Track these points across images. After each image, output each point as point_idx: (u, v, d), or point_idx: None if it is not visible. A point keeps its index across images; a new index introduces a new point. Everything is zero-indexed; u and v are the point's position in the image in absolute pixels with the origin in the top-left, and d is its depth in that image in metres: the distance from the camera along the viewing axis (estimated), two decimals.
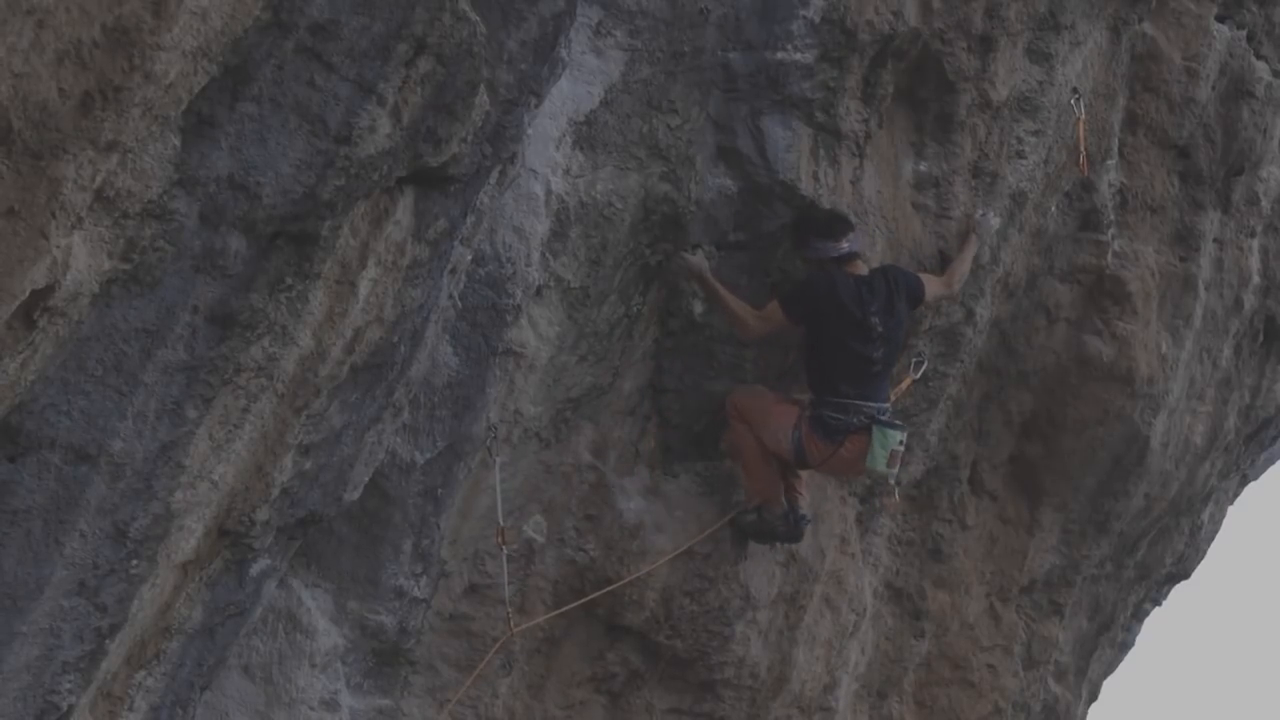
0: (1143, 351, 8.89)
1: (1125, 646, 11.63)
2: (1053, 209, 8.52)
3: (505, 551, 6.86)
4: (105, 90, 3.69)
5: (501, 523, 6.79)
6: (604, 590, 7.19)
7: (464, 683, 6.99)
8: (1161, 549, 10.72)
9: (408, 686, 6.95)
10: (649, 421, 7.48)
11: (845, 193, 7.26)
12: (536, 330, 6.60)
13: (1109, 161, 8.63)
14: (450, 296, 6.14)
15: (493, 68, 5.09)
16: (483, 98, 5.08)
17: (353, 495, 5.98)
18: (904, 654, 9.19)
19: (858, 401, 7.24)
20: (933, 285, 7.62)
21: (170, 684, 5.54)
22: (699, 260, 7.02)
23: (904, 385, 7.90)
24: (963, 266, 7.82)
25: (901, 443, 7.26)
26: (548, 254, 6.46)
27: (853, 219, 7.24)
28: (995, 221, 7.85)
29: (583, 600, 7.17)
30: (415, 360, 5.94)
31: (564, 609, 7.16)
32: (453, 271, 5.86)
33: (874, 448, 7.18)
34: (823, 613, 8.27)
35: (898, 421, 7.38)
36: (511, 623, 6.90)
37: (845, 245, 7.14)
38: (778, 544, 7.76)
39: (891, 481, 7.43)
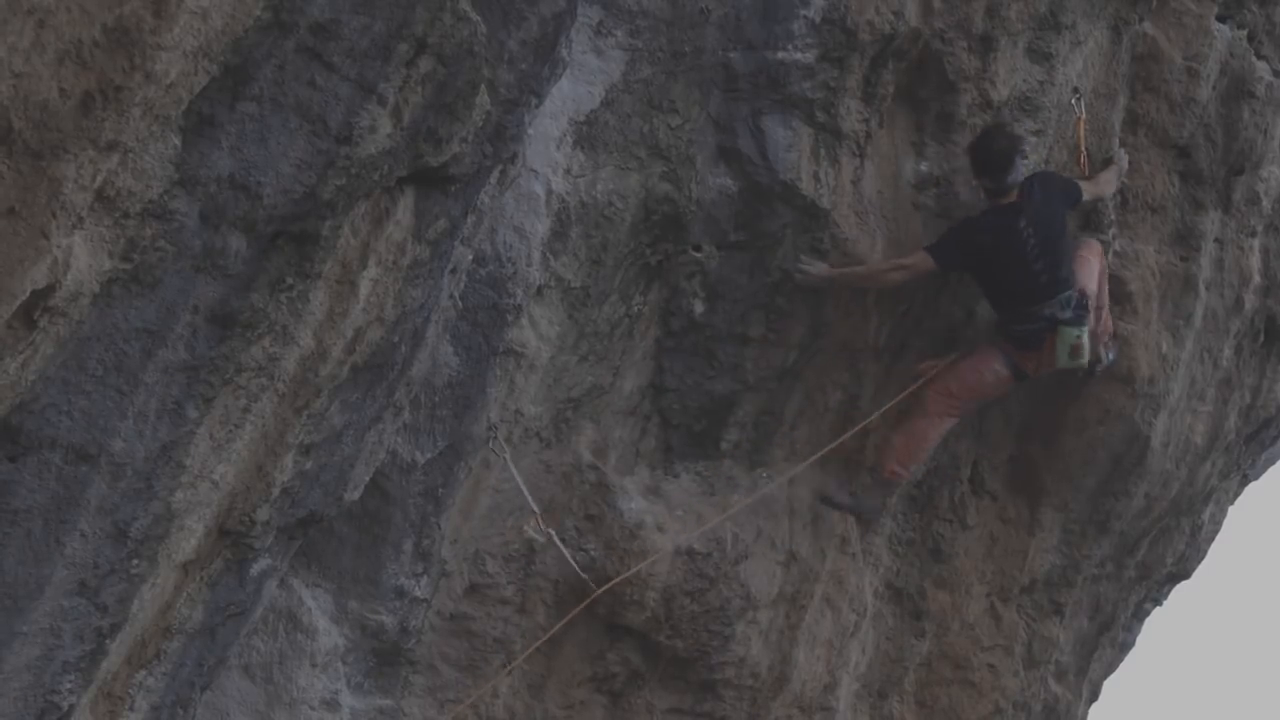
0: (1143, 351, 8.86)
1: (1126, 646, 11.58)
2: None
3: (554, 535, 7.01)
4: (106, 90, 3.69)
5: (535, 509, 6.93)
6: (608, 585, 7.18)
7: (465, 683, 7.00)
8: (1162, 549, 10.69)
9: (408, 686, 6.95)
10: (649, 421, 7.48)
11: (846, 192, 7.26)
12: (537, 330, 6.60)
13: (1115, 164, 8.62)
14: (451, 296, 6.14)
15: (493, 67, 5.09)
16: (483, 97, 5.08)
17: (353, 495, 5.98)
18: (904, 654, 9.17)
19: (1035, 309, 7.64)
20: (1087, 188, 7.98)
21: (171, 684, 5.54)
22: (817, 268, 7.27)
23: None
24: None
25: (1079, 337, 7.71)
26: (548, 254, 6.47)
27: (1022, 143, 7.60)
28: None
29: (595, 595, 7.16)
30: (416, 360, 5.94)
31: (585, 602, 7.17)
32: (453, 271, 5.86)
33: (1058, 349, 7.70)
34: (823, 613, 8.27)
35: (1079, 313, 7.71)
36: (591, 584, 7.09)
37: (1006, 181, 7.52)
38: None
39: (1084, 369, 7.95)
